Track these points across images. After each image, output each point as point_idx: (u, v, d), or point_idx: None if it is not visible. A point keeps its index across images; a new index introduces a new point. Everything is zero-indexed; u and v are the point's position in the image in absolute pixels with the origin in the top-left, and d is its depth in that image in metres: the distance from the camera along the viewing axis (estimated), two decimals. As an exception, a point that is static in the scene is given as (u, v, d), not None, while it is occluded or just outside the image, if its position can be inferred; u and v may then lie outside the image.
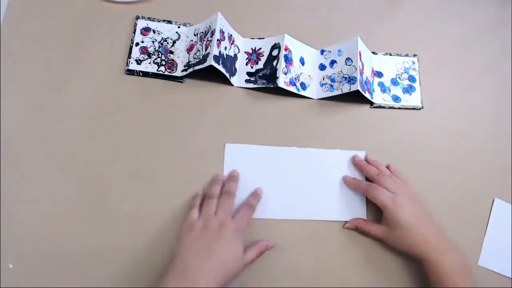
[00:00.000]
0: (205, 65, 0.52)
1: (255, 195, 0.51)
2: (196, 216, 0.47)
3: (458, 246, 0.47)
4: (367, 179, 0.54)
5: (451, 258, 0.45)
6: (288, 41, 0.57)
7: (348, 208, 0.53)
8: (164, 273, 0.42)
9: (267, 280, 0.49)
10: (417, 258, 0.47)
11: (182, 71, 0.56)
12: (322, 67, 0.59)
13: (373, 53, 0.61)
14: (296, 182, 0.53)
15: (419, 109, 0.59)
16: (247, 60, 0.58)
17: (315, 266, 0.50)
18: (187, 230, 0.46)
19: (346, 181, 0.53)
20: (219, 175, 0.52)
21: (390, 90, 0.60)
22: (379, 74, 0.61)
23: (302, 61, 0.58)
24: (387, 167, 0.54)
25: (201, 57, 0.54)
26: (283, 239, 0.51)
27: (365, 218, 0.52)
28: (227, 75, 0.55)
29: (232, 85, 0.57)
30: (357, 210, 0.53)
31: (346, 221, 0.52)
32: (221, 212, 0.47)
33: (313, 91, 0.58)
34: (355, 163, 0.54)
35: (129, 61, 0.56)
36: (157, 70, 0.56)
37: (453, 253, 0.46)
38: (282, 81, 0.54)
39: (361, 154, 0.55)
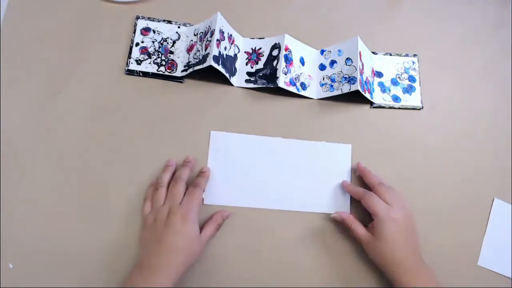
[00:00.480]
0: (205, 65, 0.52)
1: (202, 175, 0.51)
2: (147, 210, 0.48)
3: (432, 269, 0.46)
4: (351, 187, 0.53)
5: (421, 282, 0.45)
6: (288, 41, 0.57)
7: (331, 202, 0.53)
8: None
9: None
10: (389, 277, 0.46)
11: (182, 71, 0.56)
12: (322, 67, 0.59)
13: (373, 53, 0.61)
14: (279, 172, 0.54)
15: (419, 109, 0.59)
16: (247, 60, 0.58)
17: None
18: (143, 227, 0.48)
19: (344, 186, 0.53)
20: (170, 161, 0.52)
21: (390, 90, 0.60)
22: (379, 74, 0.61)
23: (302, 61, 0.58)
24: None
25: (201, 57, 0.54)
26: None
27: (349, 213, 0.52)
28: (227, 75, 0.55)
29: (232, 85, 0.57)
30: (341, 204, 0.53)
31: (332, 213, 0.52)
32: (168, 200, 0.47)
33: (313, 91, 0.58)
34: (360, 169, 0.53)
35: (129, 61, 0.56)
36: (157, 70, 0.56)
37: (424, 276, 0.45)
38: (282, 81, 0.54)
39: (348, 148, 0.55)
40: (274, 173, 0.53)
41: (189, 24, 0.59)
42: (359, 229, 0.49)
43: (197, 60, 0.54)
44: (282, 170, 0.54)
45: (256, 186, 0.53)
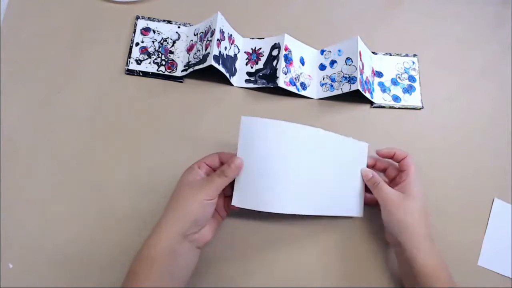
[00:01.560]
0: (205, 65, 0.52)
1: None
2: None
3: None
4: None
5: (434, 260, 0.44)
6: (288, 41, 0.57)
7: (349, 204, 0.49)
8: None
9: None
10: (403, 246, 0.43)
11: (182, 71, 0.56)
12: (322, 67, 0.59)
13: (373, 53, 0.61)
14: (314, 170, 0.45)
15: (419, 109, 0.59)
16: (247, 60, 0.58)
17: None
18: None
19: (377, 152, 0.50)
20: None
21: (390, 90, 0.60)
22: (379, 74, 0.61)
23: (302, 61, 0.58)
24: None
25: (201, 57, 0.54)
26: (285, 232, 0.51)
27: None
28: (227, 75, 0.55)
29: (232, 85, 0.57)
30: (355, 207, 0.49)
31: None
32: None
33: (313, 91, 0.58)
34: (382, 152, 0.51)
35: (129, 61, 0.56)
36: (157, 70, 0.56)
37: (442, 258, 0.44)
38: (282, 81, 0.54)
39: (364, 146, 0.51)
40: (310, 171, 0.45)
41: (189, 24, 0.59)
42: (387, 187, 0.46)
43: (197, 60, 0.54)
44: (316, 167, 0.45)
45: (290, 186, 0.43)
